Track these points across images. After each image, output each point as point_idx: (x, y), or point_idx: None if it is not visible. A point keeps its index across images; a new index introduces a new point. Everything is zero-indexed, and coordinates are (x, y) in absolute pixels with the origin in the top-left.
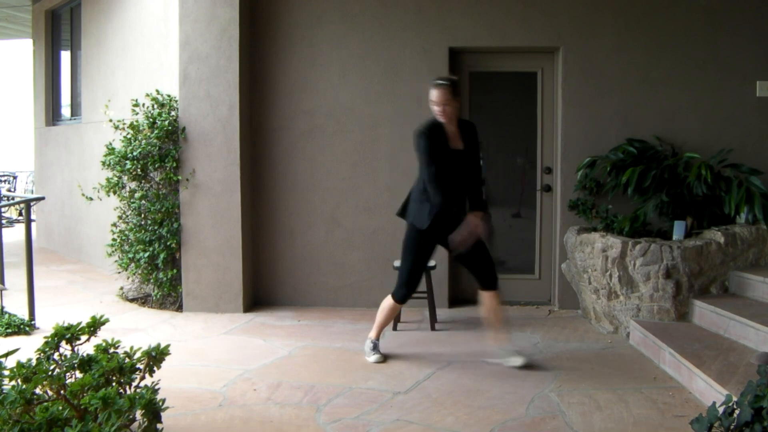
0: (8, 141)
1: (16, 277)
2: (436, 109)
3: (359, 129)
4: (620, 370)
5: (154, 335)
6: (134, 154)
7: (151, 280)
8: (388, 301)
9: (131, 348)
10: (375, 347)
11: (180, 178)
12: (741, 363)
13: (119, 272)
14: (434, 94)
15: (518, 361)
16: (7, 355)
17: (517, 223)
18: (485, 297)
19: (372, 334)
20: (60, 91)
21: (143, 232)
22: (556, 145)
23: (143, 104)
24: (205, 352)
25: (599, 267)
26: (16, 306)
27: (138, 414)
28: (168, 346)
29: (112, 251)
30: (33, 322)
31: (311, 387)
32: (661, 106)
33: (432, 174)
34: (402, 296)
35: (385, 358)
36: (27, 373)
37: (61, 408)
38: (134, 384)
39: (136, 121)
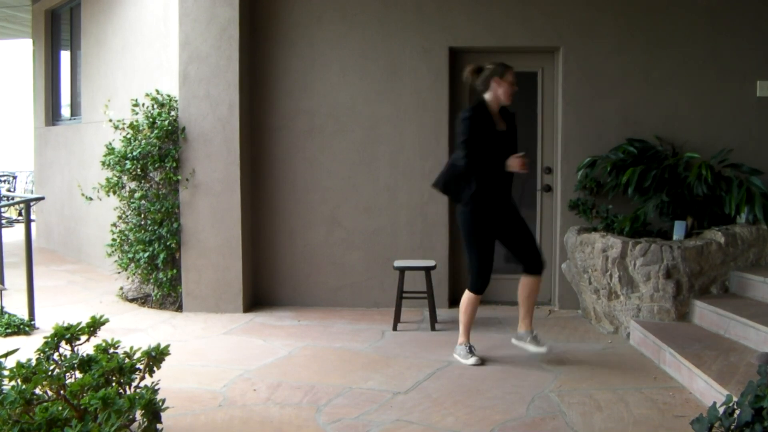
0: (8, 141)
1: (16, 277)
2: (506, 91)
3: (359, 129)
4: (620, 370)
5: (154, 335)
6: (134, 154)
7: (151, 280)
8: (465, 297)
9: (131, 348)
10: (471, 350)
11: (180, 178)
12: (741, 363)
13: (119, 272)
14: (512, 76)
15: (541, 349)
16: (7, 355)
17: None
18: (527, 281)
19: (461, 339)
20: (60, 91)
21: (143, 232)
22: (556, 145)
23: (143, 104)
24: (205, 352)
25: (599, 267)
26: (16, 306)
27: (138, 414)
28: (168, 346)
29: (112, 251)
30: (33, 322)
31: (311, 387)
32: (661, 106)
33: (469, 162)
34: (479, 287)
35: (483, 360)
36: (27, 373)
37: (61, 408)
38: (134, 384)
39: (136, 121)
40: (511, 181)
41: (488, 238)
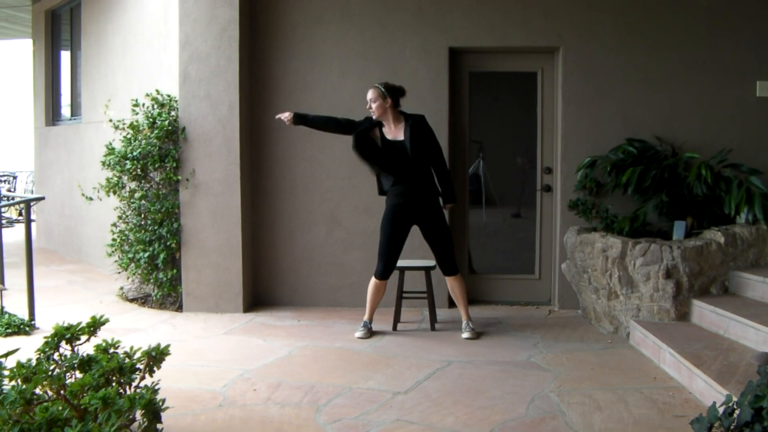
0: (8, 141)
1: (16, 277)
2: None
3: None
4: (620, 370)
5: (154, 335)
6: (134, 154)
7: (151, 280)
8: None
9: (131, 348)
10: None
11: (180, 178)
12: (741, 363)
13: (119, 272)
14: (368, 93)
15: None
16: (7, 355)
17: (517, 223)
18: (447, 281)
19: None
20: (60, 91)
21: (143, 232)
22: (556, 145)
23: (143, 104)
24: (205, 352)
25: (599, 267)
26: (16, 306)
27: (138, 414)
28: (168, 346)
29: (112, 251)
30: (33, 322)
31: (311, 387)
32: (661, 106)
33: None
34: (379, 272)
35: (371, 334)
36: (27, 373)
37: (61, 408)
38: (134, 384)
39: (136, 121)
40: (419, 186)
41: (396, 231)
